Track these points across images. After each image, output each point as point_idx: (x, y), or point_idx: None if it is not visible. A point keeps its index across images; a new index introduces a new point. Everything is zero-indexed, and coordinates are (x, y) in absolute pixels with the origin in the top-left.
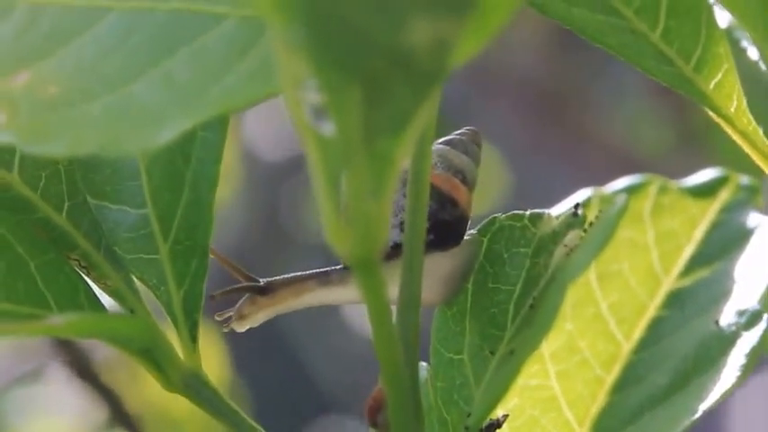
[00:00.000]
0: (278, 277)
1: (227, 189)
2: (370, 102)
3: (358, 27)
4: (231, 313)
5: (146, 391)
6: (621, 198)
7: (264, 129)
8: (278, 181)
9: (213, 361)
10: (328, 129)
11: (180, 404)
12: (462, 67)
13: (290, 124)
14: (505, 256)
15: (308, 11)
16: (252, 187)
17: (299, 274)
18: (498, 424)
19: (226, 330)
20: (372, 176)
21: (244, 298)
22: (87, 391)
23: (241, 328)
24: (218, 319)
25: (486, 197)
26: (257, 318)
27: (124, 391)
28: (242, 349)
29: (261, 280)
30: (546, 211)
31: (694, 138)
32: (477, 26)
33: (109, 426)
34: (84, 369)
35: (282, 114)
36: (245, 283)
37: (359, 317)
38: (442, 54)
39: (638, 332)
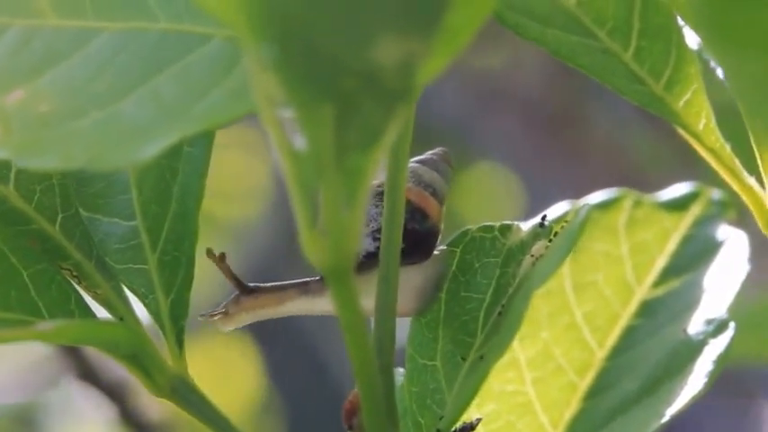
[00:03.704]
0: (262, 284)
1: (256, 207)
2: (340, 119)
3: (327, 47)
4: (216, 314)
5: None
6: (584, 210)
7: None
8: None
9: (248, 373)
10: (301, 144)
11: None
12: (470, 87)
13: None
14: (477, 265)
15: (280, 31)
16: (278, 207)
17: (281, 282)
18: (472, 427)
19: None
20: (345, 189)
21: (230, 298)
22: (102, 398)
23: (226, 326)
24: (200, 319)
25: (495, 211)
26: (241, 318)
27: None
28: (277, 363)
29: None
30: (515, 222)
31: (688, 155)
32: (443, 45)
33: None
34: (99, 378)
35: None
36: (232, 281)
37: None
38: (409, 73)
39: (611, 340)
